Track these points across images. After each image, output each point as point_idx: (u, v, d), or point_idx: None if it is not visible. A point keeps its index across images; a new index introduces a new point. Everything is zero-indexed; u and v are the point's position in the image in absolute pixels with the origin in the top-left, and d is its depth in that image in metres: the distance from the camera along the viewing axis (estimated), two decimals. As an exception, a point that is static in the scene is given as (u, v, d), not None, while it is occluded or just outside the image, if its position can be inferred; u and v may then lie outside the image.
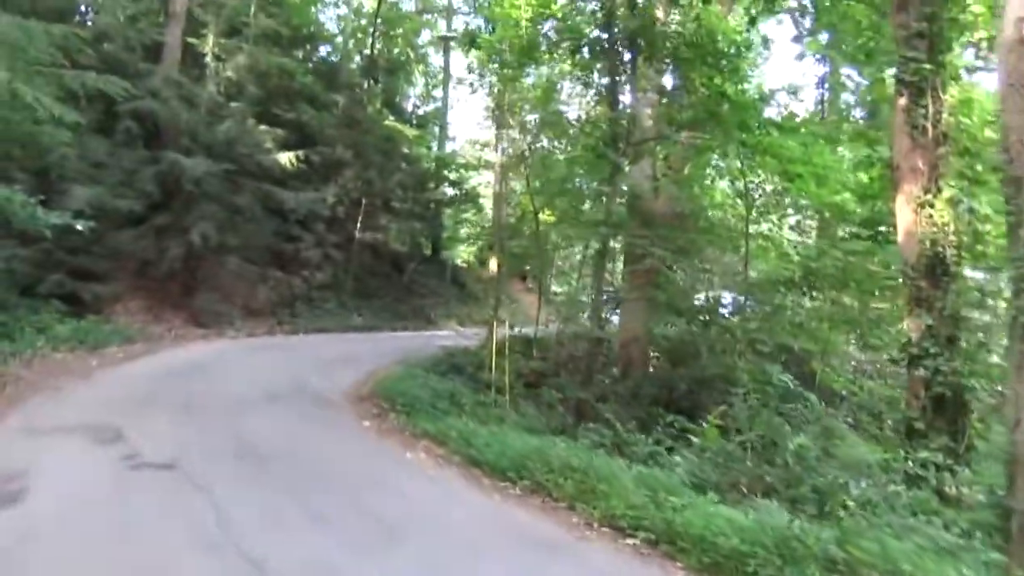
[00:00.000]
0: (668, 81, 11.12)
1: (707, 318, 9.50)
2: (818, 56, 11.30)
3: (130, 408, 7.63)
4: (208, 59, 16.65)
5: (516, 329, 14.78)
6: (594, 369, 9.99)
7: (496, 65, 13.49)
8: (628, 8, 9.57)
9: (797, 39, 7.54)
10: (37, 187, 10.56)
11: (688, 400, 11.36)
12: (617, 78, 10.01)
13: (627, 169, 9.92)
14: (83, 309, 12.78)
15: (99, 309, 13.29)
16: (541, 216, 14.57)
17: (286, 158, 17.45)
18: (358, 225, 20.00)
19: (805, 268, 7.83)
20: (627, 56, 9.78)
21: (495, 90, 13.95)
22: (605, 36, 9.98)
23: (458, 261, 27.71)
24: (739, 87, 9.34)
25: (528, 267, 16.32)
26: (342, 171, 19.79)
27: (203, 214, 15.02)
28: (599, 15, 9.94)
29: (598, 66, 10.54)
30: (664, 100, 10.73)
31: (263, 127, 17.46)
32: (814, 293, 8.87)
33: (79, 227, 9.59)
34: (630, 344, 12.65)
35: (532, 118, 14.35)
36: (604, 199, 10.26)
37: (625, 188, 10.25)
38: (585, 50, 10.17)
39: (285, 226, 18.42)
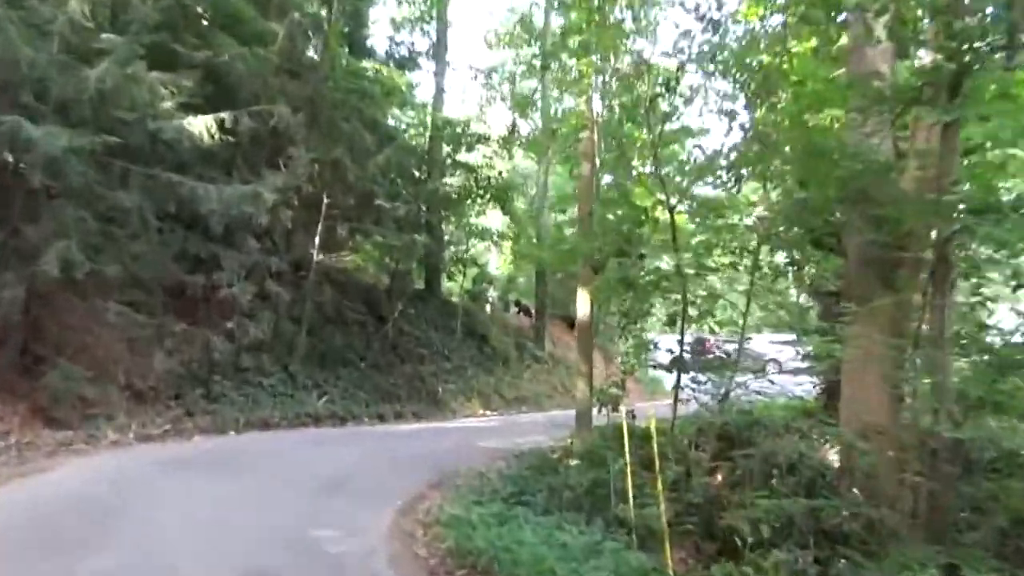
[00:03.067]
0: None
1: None
2: None
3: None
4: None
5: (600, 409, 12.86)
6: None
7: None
8: None
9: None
10: None
11: None
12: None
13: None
14: None
15: None
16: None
17: (199, 126, 15.21)
18: (315, 240, 17.75)
19: None
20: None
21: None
22: None
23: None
24: None
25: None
26: (287, 149, 17.60)
27: (62, 224, 12.76)
28: None
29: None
30: None
31: (157, 74, 15.22)
32: None
33: None
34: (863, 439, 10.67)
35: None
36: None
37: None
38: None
39: (195, 243, 16.06)
